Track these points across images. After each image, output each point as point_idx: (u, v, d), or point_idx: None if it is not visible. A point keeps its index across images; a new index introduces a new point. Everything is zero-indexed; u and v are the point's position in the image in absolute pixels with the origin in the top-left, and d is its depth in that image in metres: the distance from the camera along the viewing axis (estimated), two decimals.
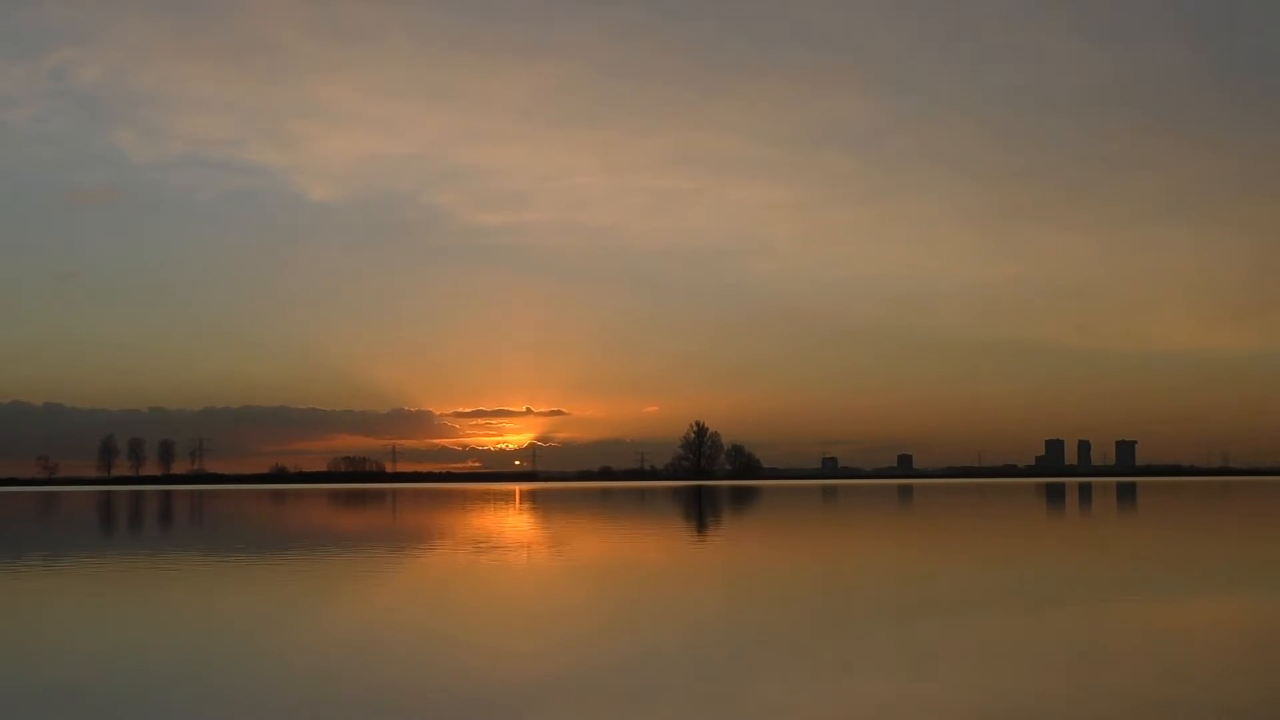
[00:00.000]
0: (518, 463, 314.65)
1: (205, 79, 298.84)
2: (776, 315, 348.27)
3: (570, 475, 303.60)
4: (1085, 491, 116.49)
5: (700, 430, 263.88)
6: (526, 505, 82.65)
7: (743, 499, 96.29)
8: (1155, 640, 14.84)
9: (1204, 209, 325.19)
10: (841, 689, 11.68)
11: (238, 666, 13.39)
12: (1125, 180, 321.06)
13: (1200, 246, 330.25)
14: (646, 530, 45.80)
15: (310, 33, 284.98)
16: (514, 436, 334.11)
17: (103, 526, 54.33)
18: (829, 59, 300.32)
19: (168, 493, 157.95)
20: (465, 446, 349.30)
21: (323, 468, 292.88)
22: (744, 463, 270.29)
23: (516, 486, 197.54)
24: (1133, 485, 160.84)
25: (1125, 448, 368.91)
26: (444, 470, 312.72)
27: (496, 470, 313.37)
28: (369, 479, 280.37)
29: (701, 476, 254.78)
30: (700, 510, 68.80)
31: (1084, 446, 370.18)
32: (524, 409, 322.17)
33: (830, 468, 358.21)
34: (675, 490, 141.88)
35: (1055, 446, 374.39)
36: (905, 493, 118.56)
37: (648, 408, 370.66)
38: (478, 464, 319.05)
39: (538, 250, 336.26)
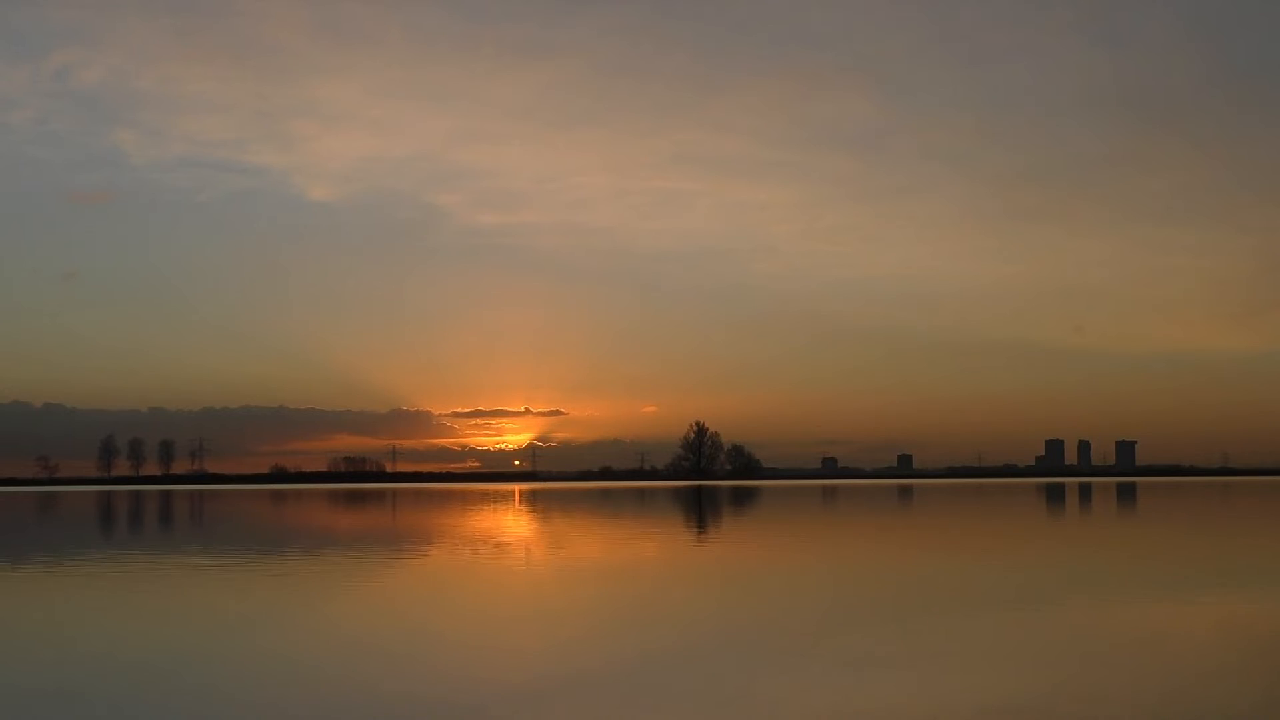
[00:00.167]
0: (517, 463, 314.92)
1: (206, 80, 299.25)
2: (776, 315, 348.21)
3: (570, 475, 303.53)
4: (1085, 491, 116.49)
5: (700, 430, 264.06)
6: (527, 505, 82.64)
7: (743, 499, 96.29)
8: (1155, 640, 14.84)
9: (1204, 210, 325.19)
10: (842, 689, 11.68)
11: (237, 666, 13.38)
12: (1126, 181, 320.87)
13: (1201, 247, 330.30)
14: (646, 530, 45.79)
15: (311, 34, 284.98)
16: (513, 437, 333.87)
17: (102, 527, 54.32)
18: (829, 60, 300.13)
19: (168, 493, 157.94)
20: (464, 447, 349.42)
21: (322, 468, 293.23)
22: (744, 463, 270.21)
23: (516, 487, 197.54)
24: (1133, 485, 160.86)
25: (1125, 448, 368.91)
26: (444, 470, 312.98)
27: (496, 470, 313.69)
28: (369, 479, 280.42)
29: (701, 476, 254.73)
30: (700, 510, 68.80)
31: (1084, 446, 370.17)
32: (522, 409, 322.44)
33: (830, 468, 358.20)
34: (675, 490, 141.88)
35: (1055, 446, 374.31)
36: (905, 493, 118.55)
37: (646, 408, 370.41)
38: (477, 464, 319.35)
39: (537, 250, 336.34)
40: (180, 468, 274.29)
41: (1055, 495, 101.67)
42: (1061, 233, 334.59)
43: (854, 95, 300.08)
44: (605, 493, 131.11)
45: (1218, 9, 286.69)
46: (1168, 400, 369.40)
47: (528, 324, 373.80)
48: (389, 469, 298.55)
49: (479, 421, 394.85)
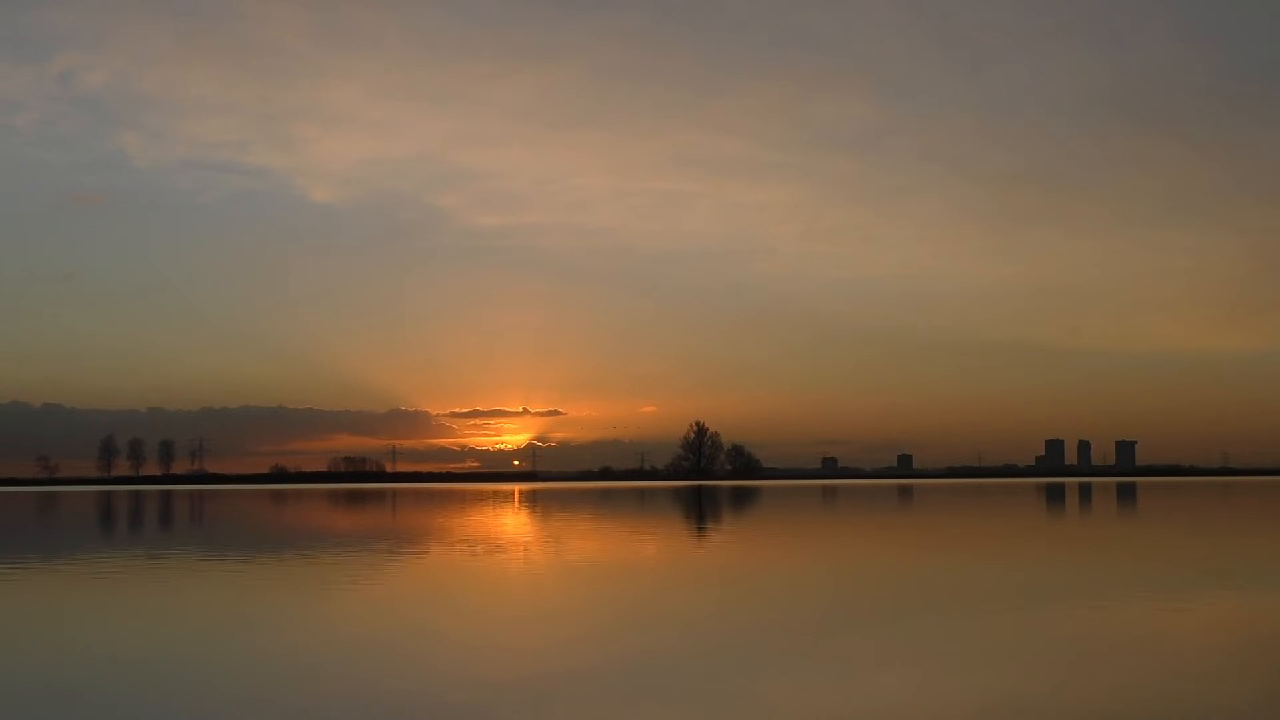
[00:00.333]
0: (516, 463, 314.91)
1: (208, 83, 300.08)
2: (776, 316, 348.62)
3: (570, 475, 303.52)
4: (1085, 491, 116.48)
5: (700, 430, 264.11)
6: (526, 505, 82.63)
7: (742, 499, 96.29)
8: (1155, 640, 14.83)
9: (1202, 211, 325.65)
10: (842, 689, 11.67)
11: (236, 665, 13.38)
12: (1124, 182, 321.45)
13: (1199, 248, 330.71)
14: (646, 530, 45.78)
15: (312, 37, 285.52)
16: (511, 437, 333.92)
17: (102, 527, 54.31)
18: (828, 62, 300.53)
19: (167, 493, 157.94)
20: (463, 447, 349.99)
21: (321, 467, 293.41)
22: (744, 463, 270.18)
23: (515, 487, 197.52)
24: (1133, 485, 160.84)
25: (1125, 448, 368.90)
26: (443, 470, 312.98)
27: (495, 470, 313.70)
28: (369, 479, 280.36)
29: (701, 476, 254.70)
30: (700, 510, 68.80)
31: (1084, 446, 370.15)
32: (520, 409, 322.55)
33: (830, 468, 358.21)
34: (675, 490, 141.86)
35: (1055, 446, 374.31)
36: (905, 493, 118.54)
37: (645, 408, 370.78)
38: (477, 464, 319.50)
39: (537, 251, 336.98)
40: (180, 468, 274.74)
41: (1055, 495, 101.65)
42: (1060, 233, 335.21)
43: (853, 97, 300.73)
44: (605, 493, 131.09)
45: (1214, 12, 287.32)
46: (1167, 400, 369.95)
47: (527, 324, 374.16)
48: (389, 469, 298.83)
49: (477, 422, 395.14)
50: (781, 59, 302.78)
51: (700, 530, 45.34)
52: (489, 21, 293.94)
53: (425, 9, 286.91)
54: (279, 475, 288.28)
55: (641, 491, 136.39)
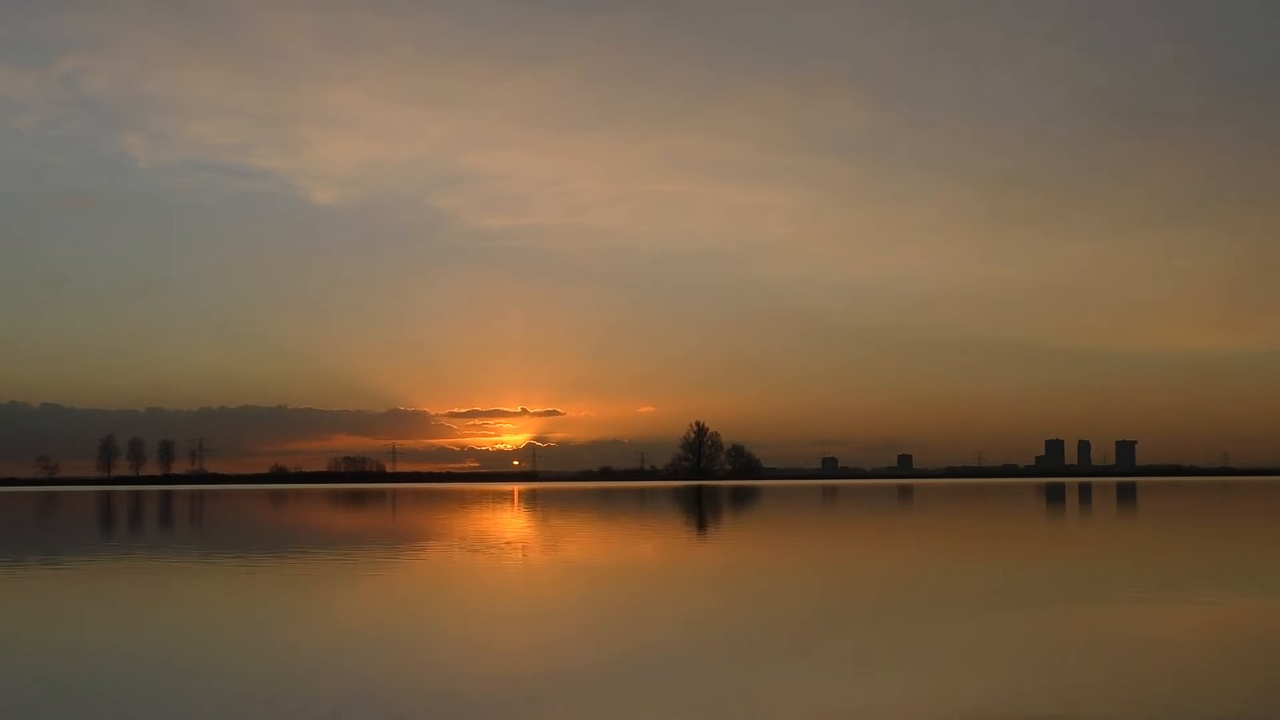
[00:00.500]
0: (516, 463, 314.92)
1: (212, 85, 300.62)
2: (776, 316, 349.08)
3: (570, 475, 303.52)
4: (1085, 491, 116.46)
5: (700, 430, 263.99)
6: (525, 505, 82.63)
7: (742, 499, 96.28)
8: (1155, 640, 14.84)
9: (1199, 213, 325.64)
10: (841, 689, 11.68)
11: (236, 664, 13.38)
12: (1121, 185, 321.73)
13: (1197, 249, 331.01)
14: (646, 530, 45.78)
15: (314, 40, 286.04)
16: (510, 437, 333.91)
17: (102, 527, 54.31)
18: (827, 66, 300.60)
19: (168, 493, 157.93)
20: (463, 447, 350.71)
21: (320, 468, 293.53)
22: (744, 463, 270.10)
23: (515, 487, 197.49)
24: (1133, 485, 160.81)
25: (1125, 448, 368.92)
26: (443, 470, 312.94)
27: (495, 470, 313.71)
28: (368, 479, 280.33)
29: (701, 476, 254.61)
30: (700, 510, 68.79)
31: (1084, 446, 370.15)
32: (519, 409, 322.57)
33: (830, 468, 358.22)
34: (675, 490, 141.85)
35: (1055, 446, 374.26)
36: (905, 493, 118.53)
37: (644, 408, 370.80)
38: (476, 464, 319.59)
39: (539, 253, 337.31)
40: (180, 468, 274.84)
41: (1055, 495, 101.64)
42: (1056, 235, 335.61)
43: (851, 102, 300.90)
44: (605, 493, 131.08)
45: (1209, 16, 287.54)
46: (1167, 400, 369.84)
47: (527, 325, 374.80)
48: (389, 469, 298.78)
49: (476, 422, 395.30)
50: (781, 63, 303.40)
51: (700, 530, 45.34)
52: (490, 25, 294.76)
53: (427, 12, 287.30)
54: (279, 475, 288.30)
55: (641, 491, 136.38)
